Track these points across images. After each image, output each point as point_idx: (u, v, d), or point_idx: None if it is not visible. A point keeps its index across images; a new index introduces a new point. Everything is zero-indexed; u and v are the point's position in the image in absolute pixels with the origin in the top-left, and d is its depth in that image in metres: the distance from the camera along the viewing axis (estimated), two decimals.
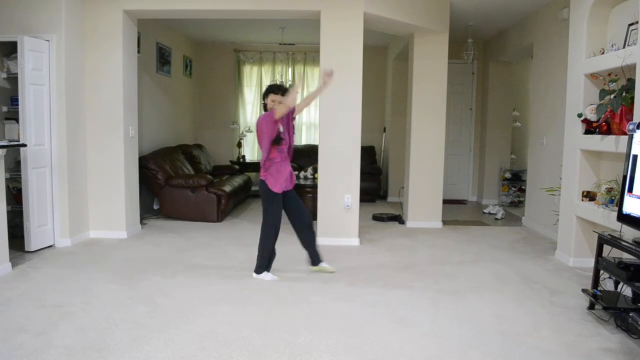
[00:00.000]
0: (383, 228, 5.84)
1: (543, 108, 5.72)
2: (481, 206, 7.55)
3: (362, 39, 4.90)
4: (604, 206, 3.76)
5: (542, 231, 5.61)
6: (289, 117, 3.84)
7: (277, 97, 3.77)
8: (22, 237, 4.45)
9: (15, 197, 4.78)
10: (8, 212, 3.99)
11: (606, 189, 3.86)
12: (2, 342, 2.62)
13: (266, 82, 8.57)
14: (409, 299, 3.42)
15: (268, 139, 3.67)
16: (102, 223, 5.10)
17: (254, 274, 3.86)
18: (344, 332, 2.85)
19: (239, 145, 8.48)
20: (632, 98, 3.46)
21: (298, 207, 3.90)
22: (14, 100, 4.70)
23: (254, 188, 8.45)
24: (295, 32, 7.57)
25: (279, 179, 3.73)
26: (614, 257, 3.10)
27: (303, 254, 4.66)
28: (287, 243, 5.05)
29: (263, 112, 3.83)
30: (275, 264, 4.17)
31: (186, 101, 8.15)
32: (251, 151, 8.90)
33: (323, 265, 4.03)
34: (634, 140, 3.02)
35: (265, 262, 3.85)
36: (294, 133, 3.92)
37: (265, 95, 3.85)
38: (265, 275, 3.84)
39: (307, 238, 3.99)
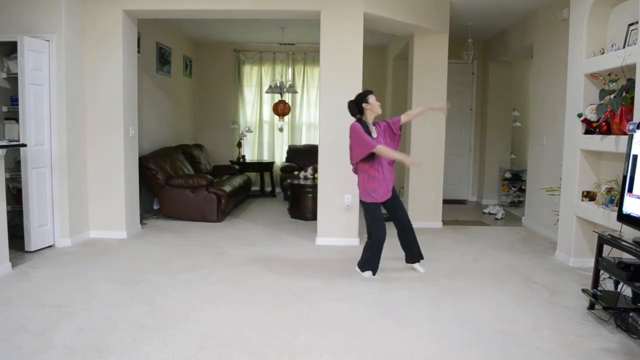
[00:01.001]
0: None
1: (543, 108, 5.72)
2: (481, 206, 7.55)
3: (362, 39, 4.90)
4: (604, 206, 3.76)
5: (542, 231, 5.61)
6: (392, 129, 3.94)
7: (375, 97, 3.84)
8: (22, 237, 4.45)
9: (15, 197, 4.78)
10: (8, 212, 3.99)
11: (606, 189, 3.86)
12: (2, 342, 2.62)
13: (266, 82, 8.58)
14: (409, 299, 3.42)
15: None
16: (102, 223, 5.10)
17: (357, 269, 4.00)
18: (344, 332, 2.85)
19: (239, 145, 8.48)
20: (632, 98, 3.46)
21: (395, 210, 3.95)
22: (14, 100, 4.70)
23: (254, 188, 8.46)
24: (295, 32, 7.57)
25: (367, 188, 3.82)
26: (614, 257, 3.10)
27: (303, 254, 4.67)
28: (288, 244, 5.05)
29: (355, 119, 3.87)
30: (277, 265, 4.17)
31: (186, 101, 8.15)
32: (251, 151, 8.91)
33: (415, 265, 4.11)
34: (634, 140, 3.02)
35: (372, 261, 3.91)
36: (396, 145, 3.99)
37: (364, 100, 3.82)
38: (367, 273, 3.93)
39: (403, 238, 4.05)
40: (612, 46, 3.85)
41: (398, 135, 3.99)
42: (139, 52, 5.87)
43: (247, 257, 4.46)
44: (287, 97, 8.34)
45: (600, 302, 3.02)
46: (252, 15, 5.20)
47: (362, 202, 3.91)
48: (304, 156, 8.31)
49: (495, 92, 7.70)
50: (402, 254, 4.66)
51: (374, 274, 3.92)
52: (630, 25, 3.77)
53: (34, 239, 4.43)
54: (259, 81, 8.76)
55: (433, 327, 2.95)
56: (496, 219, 6.54)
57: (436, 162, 5.88)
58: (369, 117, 3.86)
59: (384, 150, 3.71)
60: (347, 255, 4.54)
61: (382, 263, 4.34)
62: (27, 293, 3.39)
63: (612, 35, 4.05)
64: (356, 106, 3.86)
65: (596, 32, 4.14)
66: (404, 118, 4.05)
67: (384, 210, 3.93)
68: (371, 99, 3.82)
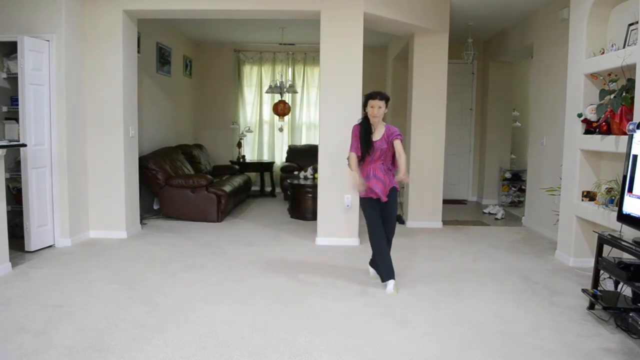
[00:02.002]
0: None
1: (543, 108, 5.72)
2: (481, 206, 7.55)
3: (362, 39, 4.89)
4: (604, 206, 3.76)
5: (542, 231, 5.61)
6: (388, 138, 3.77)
7: (376, 103, 3.68)
8: (22, 237, 4.45)
9: (15, 197, 4.78)
10: (8, 212, 3.99)
11: (606, 189, 3.86)
12: (2, 342, 2.62)
13: (266, 82, 8.58)
14: (409, 299, 3.42)
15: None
16: (102, 223, 5.10)
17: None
18: (344, 332, 2.85)
19: (239, 145, 8.48)
20: (632, 98, 3.46)
21: (384, 221, 3.78)
22: (14, 100, 4.70)
23: (254, 188, 8.46)
24: (295, 32, 7.57)
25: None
26: (614, 257, 3.10)
27: (303, 254, 4.66)
28: (288, 244, 5.05)
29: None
30: (277, 265, 4.17)
31: (186, 101, 8.15)
32: (251, 151, 8.91)
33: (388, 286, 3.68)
34: (634, 140, 3.02)
35: (380, 268, 3.74)
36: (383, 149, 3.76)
37: (364, 104, 3.79)
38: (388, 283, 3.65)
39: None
40: (612, 46, 3.85)
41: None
42: (139, 52, 5.87)
43: (247, 257, 4.46)
44: (287, 97, 8.34)
45: (600, 302, 3.02)
46: (252, 15, 5.20)
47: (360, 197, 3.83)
48: (304, 156, 8.31)
49: (495, 92, 7.69)
50: (402, 254, 4.67)
51: (392, 278, 3.64)
52: (630, 25, 3.77)
53: (34, 239, 4.43)
54: (259, 81, 8.76)
55: (433, 327, 2.95)
56: (496, 219, 6.54)
57: (436, 162, 5.88)
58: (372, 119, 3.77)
59: (351, 161, 3.75)
60: (347, 255, 4.54)
61: None
62: (27, 293, 3.39)
63: (612, 35, 4.05)
64: (363, 106, 3.86)
65: (596, 32, 4.13)
66: (397, 158, 3.74)
67: None
68: (368, 105, 3.73)
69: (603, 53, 3.98)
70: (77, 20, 4.79)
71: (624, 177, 3.08)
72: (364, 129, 3.77)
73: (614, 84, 3.81)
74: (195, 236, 5.25)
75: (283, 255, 4.54)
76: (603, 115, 3.83)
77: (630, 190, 3.01)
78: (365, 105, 3.80)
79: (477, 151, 8.11)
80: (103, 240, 4.98)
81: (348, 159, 3.82)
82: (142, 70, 6.13)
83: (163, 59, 6.97)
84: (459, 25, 6.40)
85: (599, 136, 3.87)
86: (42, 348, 2.56)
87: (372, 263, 3.97)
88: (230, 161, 8.47)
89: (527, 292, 3.60)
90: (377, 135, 3.78)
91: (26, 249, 4.39)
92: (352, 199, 4.98)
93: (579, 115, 4.16)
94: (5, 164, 4.17)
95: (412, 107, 5.86)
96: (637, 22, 3.63)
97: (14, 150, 4.48)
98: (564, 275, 4.02)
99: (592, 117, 4.01)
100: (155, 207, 6.35)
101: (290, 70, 8.70)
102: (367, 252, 4.69)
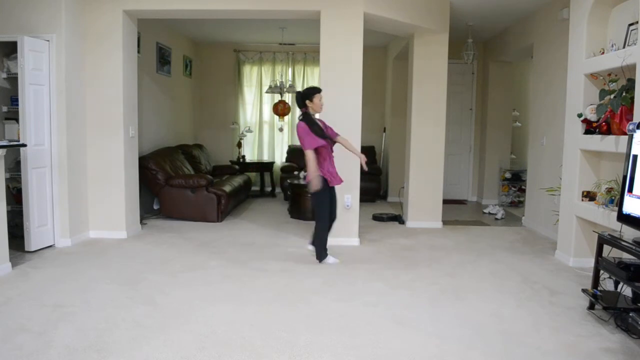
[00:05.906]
0: (383, 228, 5.84)
1: (543, 108, 5.72)
2: (481, 206, 7.55)
3: (362, 39, 4.90)
4: (604, 206, 3.76)
5: (542, 231, 5.61)
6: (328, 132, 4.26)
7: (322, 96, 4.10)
8: (22, 237, 4.45)
9: (15, 197, 4.78)
10: (8, 212, 3.99)
11: (606, 189, 3.86)
12: (2, 342, 2.62)
13: (266, 82, 8.58)
14: (409, 299, 3.42)
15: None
16: (102, 223, 5.10)
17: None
18: (344, 332, 2.85)
19: (239, 145, 8.47)
20: (632, 98, 3.46)
21: (332, 203, 4.35)
22: (14, 100, 4.70)
23: (254, 188, 8.46)
24: (295, 32, 7.57)
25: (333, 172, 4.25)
26: (614, 257, 3.10)
27: (303, 254, 4.67)
28: (288, 244, 5.05)
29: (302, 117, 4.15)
30: (276, 265, 4.17)
31: (186, 101, 8.15)
32: (251, 151, 8.91)
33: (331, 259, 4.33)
34: (634, 140, 3.02)
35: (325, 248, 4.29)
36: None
37: (309, 98, 4.09)
38: (330, 259, 4.28)
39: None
40: (612, 46, 3.85)
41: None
42: (139, 52, 5.87)
43: (247, 257, 4.46)
44: (287, 97, 8.34)
45: (600, 302, 3.03)
46: (252, 15, 5.20)
47: (325, 188, 4.15)
48: (304, 156, 8.28)
49: (495, 92, 7.70)
50: (402, 254, 4.68)
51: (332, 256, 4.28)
52: (630, 25, 3.77)
53: (34, 239, 4.43)
54: (259, 81, 8.76)
55: (433, 327, 2.95)
56: (496, 219, 6.54)
57: (436, 162, 5.88)
58: (312, 112, 4.13)
59: (310, 159, 4.06)
60: (347, 255, 4.54)
61: (382, 263, 4.36)
62: (27, 293, 3.39)
63: (612, 35, 4.05)
64: (302, 100, 4.12)
65: (596, 32, 4.13)
66: (340, 139, 4.34)
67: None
68: (316, 98, 4.10)
69: (603, 53, 3.98)
70: (77, 20, 4.79)
71: (624, 177, 3.08)
72: (313, 121, 4.08)
73: (614, 84, 3.81)
74: (195, 236, 5.25)
75: (283, 255, 4.54)
76: (603, 115, 3.83)
77: (630, 190, 3.01)
78: (309, 98, 4.08)
79: (477, 151, 8.11)
80: (103, 240, 4.98)
81: (306, 158, 4.07)
82: (142, 70, 6.13)
83: (163, 59, 6.97)
84: (459, 25, 6.40)
85: (599, 136, 3.87)
86: (42, 348, 2.56)
87: (324, 253, 4.29)
88: (230, 161, 8.47)
89: (527, 292, 3.60)
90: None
91: (26, 249, 4.39)
92: (352, 199, 4.98)
93: (579, 115, 4.16)
94: (5, 164, 4.17)
95: (412, 107, 5.86)
96: (637, 22, 3.63)
97: (14, 150, 4.48)
98: (564, 275, 4.02)
99: (592, 117, 4.01)
100: (155, 207, 6.35)
101: (290, 70, 8.70)
102: (368, 252, 4.71)
